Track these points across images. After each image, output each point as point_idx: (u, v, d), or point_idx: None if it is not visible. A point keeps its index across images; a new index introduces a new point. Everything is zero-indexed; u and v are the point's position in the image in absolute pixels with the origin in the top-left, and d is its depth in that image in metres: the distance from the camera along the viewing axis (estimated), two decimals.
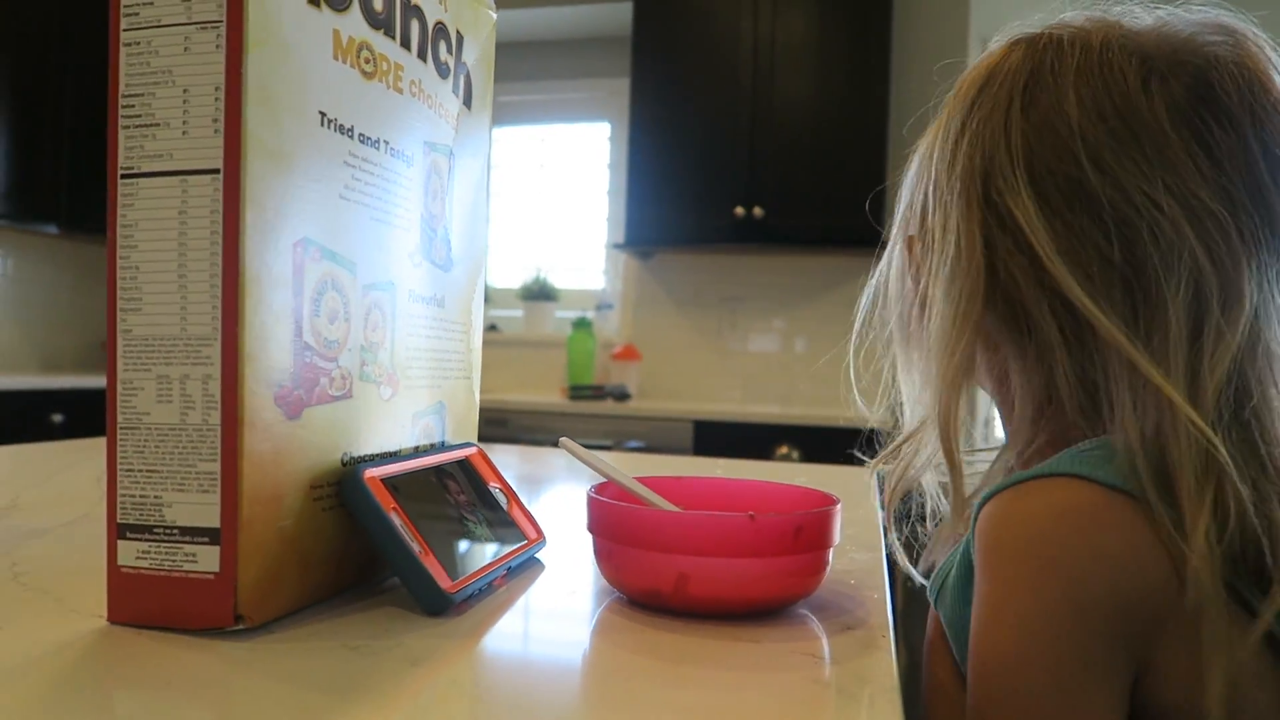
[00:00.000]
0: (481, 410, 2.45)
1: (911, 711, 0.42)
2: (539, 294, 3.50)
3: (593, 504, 0.51)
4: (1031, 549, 0.44)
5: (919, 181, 0.57)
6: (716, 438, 2.66)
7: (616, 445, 2.70)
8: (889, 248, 0.62)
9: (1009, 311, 0.50)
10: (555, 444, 2.49)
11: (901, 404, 0.63)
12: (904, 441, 0.61)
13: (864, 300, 0.63)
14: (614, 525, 0.49)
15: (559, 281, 3.57)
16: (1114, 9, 0.53)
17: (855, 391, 0.66)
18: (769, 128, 2.88)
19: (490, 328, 3.60)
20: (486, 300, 3.62)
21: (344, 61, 0.49)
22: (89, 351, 3.61)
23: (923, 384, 0.58)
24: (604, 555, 0.50)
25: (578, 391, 2.88)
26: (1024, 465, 0.53)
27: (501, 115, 3.69)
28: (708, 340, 3.26)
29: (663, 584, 0.47)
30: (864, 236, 2.79)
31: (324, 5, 0.47)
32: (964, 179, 0.51)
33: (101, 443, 1.20)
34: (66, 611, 0.45)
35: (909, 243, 0.58)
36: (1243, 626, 0.42)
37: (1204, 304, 0.45)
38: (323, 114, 0.47)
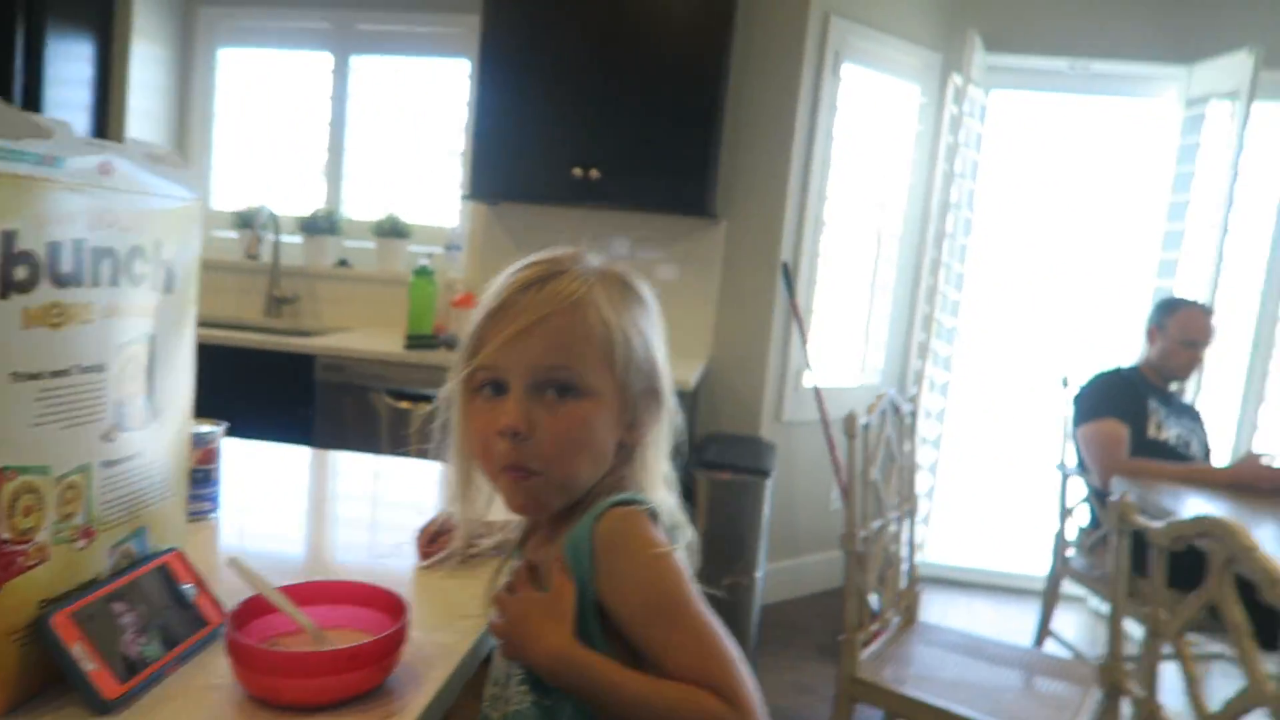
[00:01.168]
0: (320, 359, 2.81)
1: None
2: (391, 231, 3.62)
3: (226, 636, 0.73)
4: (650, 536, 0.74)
5: None
6: None
7: None
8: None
9: None
10: (388, 393, 2.68)
11: None
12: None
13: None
14: (234, 653, 0.72)
15: (413, 216, 3.68)
16: None
17: None
18: (614, 88, 3.02)
19: (341, 263, 3.71)
20: (339, 233, 3.72)
21: (33, 326, 0.67)
22: None
23: None
24: (233, 667, 0.73)
25: (413, 340, 3.06)
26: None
27: (360, 44, 3.70)
28: None
29: (266, 694, 0.71)
30: (690, 203, 3.05)
31: (13, 295, 0.65)
32: None
33: None
34: None
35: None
36: None
37: None
38: (15, 373, 0.66)
